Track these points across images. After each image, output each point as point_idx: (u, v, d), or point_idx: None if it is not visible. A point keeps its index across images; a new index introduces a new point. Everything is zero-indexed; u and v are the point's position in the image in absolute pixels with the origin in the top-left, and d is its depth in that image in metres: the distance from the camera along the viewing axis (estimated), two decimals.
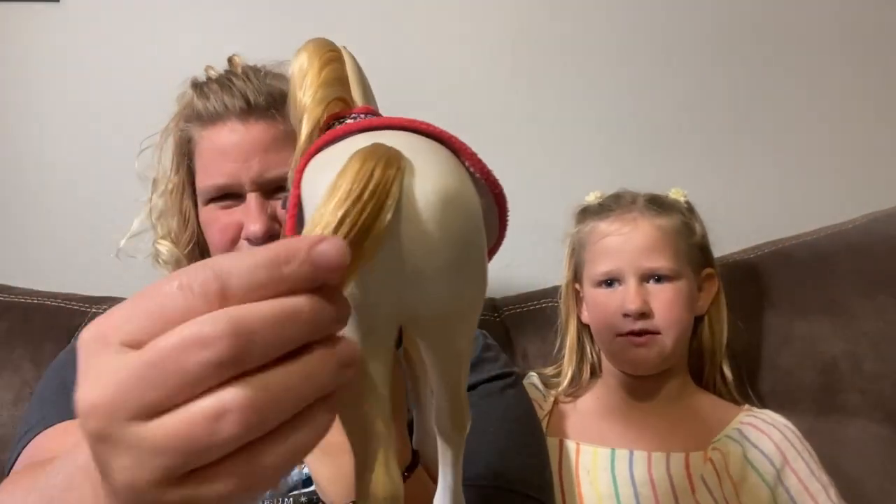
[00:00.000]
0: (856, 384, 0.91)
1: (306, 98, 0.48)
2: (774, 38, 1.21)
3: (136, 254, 0.83)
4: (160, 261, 0.80)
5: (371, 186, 0.28)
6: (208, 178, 0.75)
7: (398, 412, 0.45)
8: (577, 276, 0.94)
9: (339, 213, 0.27)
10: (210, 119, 0.75)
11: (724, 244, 0.97)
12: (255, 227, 0.71)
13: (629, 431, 0.88)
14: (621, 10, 1.22)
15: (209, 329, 0.23)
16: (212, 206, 0.75)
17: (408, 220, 0.31)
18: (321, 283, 0.26)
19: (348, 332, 0.30)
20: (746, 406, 0.89)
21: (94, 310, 1.00)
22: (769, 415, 0.87)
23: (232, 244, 0.74)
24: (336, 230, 0.27)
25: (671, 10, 1.21)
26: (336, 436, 0.38)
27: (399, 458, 0.43)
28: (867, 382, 0.91)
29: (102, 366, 0.25)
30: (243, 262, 0.25)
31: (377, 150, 0.30)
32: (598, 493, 0.84)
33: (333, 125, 0.47)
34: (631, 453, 0.85)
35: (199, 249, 0.79)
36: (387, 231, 0.29)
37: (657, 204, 0.90)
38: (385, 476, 0.32)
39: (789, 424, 0.85)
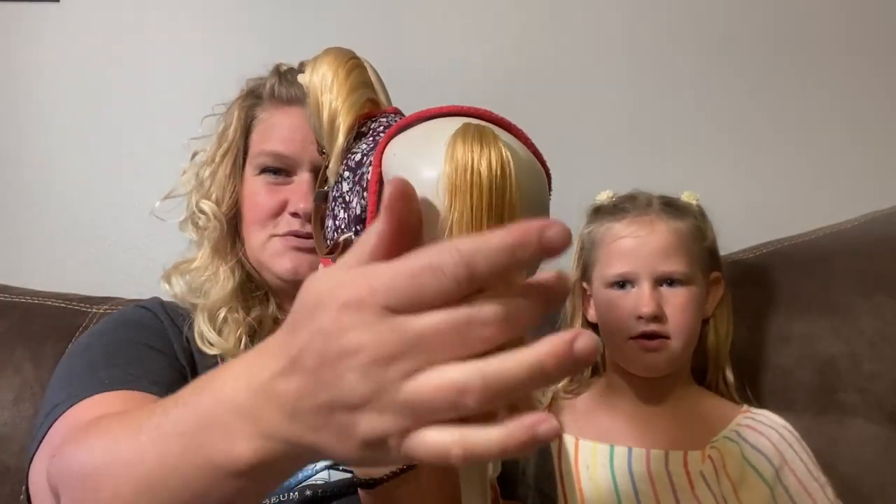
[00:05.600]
0: (854, 383, 0.91)
1: (338, 101, 0.50)
2: (774, 39, 1.21)
3: (166, 217, 0.85)
4: (198, 223, 0.81)
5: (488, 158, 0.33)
6: (270, 144, 0.79)
7: None
8: (585, 274, 0.94)
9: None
10: (288, 101, 0.80)
11: (724, 244, 0.97)
12: (304, 204, 0.75)
13: (629, 429, 0.88)
14: (625, 9, 1.22)
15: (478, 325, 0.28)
16: (262, 177, 0.79)
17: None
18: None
19: None
20: (745, 407, 0.90)
21: (94, 310, 1.00)
22: (768, 416, 0.88)
23: (270, 218, 0.77)
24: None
25: (673, 10, 1.22)
26: None
27: None
28: (865, 382, 0.91)
29: (366, 326, 0.28)
30: (486, 246, 0.28)
31: (473, 127, 0.34)
32: (597, 488, 0.84)
33: (367, 124, 0.50)
34: (630, 450, 0.86)
35: (235, 218, 0.82)
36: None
37: (673, 207, 0.90)
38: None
39: (787, 425, 0.86)
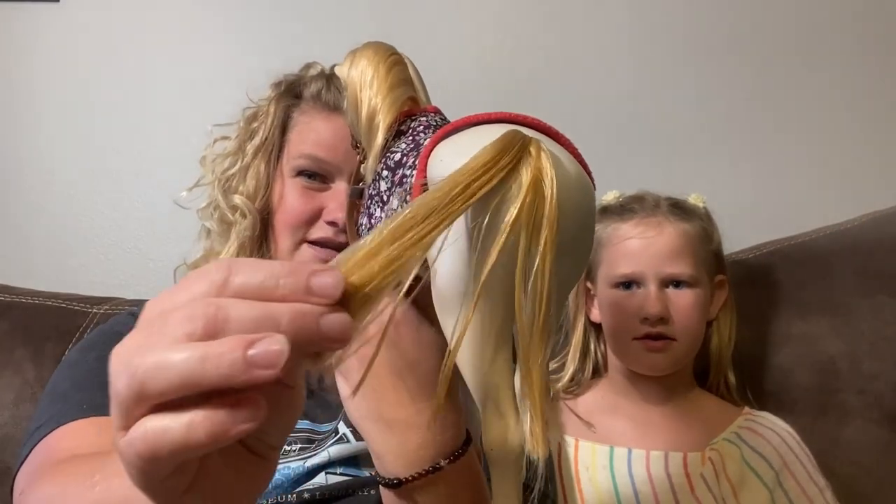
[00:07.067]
0: (853, 384, 0.91)
1: (378, 98, 0.50)
2: (775, 40, 1.21)
3: (189, 205, 0.84)
4: (226, 217, 0.79)
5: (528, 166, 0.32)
6: (312, 149, 0.77)
7: (452, 389, 0.46)
8: (589, 274, 0.94)
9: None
10: (334, 108, 0.78)
11: (725, 244, 0.97)
12: (342, 214, 0.72)
13: (630, 430, 0.88)
14: (628, 10, 1.22)
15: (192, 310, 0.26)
16: (299, 179, 0.77)
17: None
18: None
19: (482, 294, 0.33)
20: (746, 409, 0.90)
21: (94, 310, 1.00)
22: (768, 418, 0.88)
23: (304, 224, 0.76)
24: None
25: (675, 11, 1.22)
26: (400, 413, 0.45)
27: (453, 434, 0.46)
28: (865, 382, 0.91)
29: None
30: (252, 264, 0.28)
31: (519, 135, 0.33)
32: (597, 489, 0.84)
33: (406, 122, 0.50)
34: (629, 451, 0.86)
35: (266, 217, 0.80)
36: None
37: (680, 209, 0.90)
38: (514, 425, 0.35)
39: (788, 428, 0.86)
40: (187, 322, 0.26)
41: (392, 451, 0.47)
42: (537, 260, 0.31)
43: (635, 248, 0.87)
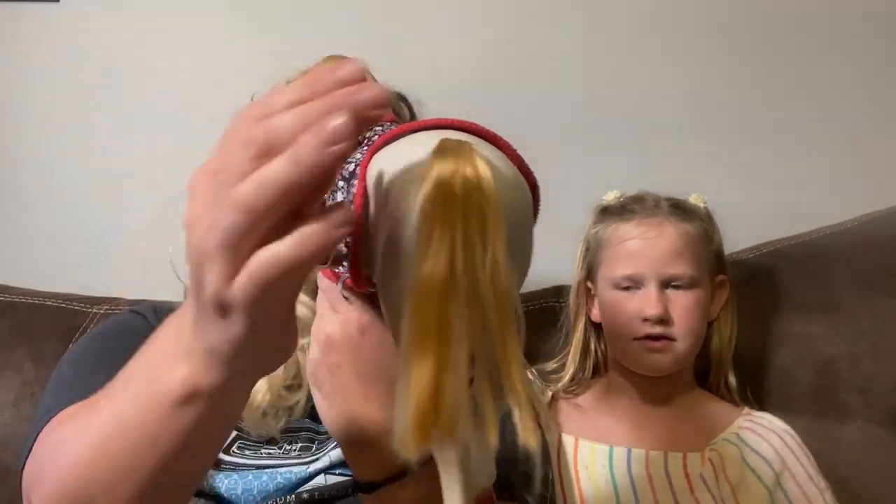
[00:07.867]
0: (853, 384, 0.91)
1: None
2: (774, 39, 1.21)
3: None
4: None
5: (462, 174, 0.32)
6: None
7: None
8: (589, 274, 0.94)
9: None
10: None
11: (724, 244, 0.97)
12: None
13: (630, 430, 0.89)
14: (627, 9, 1.22)
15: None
16: None
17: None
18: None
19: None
20: (745, 409, 0.90)
21: (94, 310, 1.00)
22: (768, 419, 0.88)
23: None
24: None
25: (674, 11, 1.22)
26: (372, 417, 0.46)
27: None
28: (865, 382, 0.91)
29: (202, 199, 0.31)
30: (280, 91, 0.31)
31: (452, 143, 0.33)
32: (596, 488, 0.84)
33: (363, 133, 0.50)
34: (629, 451, 0.86)
35: None
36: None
37: (681, 209, 0.90)
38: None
39: (788, 429, 0.86)
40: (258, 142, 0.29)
41: (365, 456, 0.47)
42: (489, 253, 0.31)
43: (636, 248, 0.87)
